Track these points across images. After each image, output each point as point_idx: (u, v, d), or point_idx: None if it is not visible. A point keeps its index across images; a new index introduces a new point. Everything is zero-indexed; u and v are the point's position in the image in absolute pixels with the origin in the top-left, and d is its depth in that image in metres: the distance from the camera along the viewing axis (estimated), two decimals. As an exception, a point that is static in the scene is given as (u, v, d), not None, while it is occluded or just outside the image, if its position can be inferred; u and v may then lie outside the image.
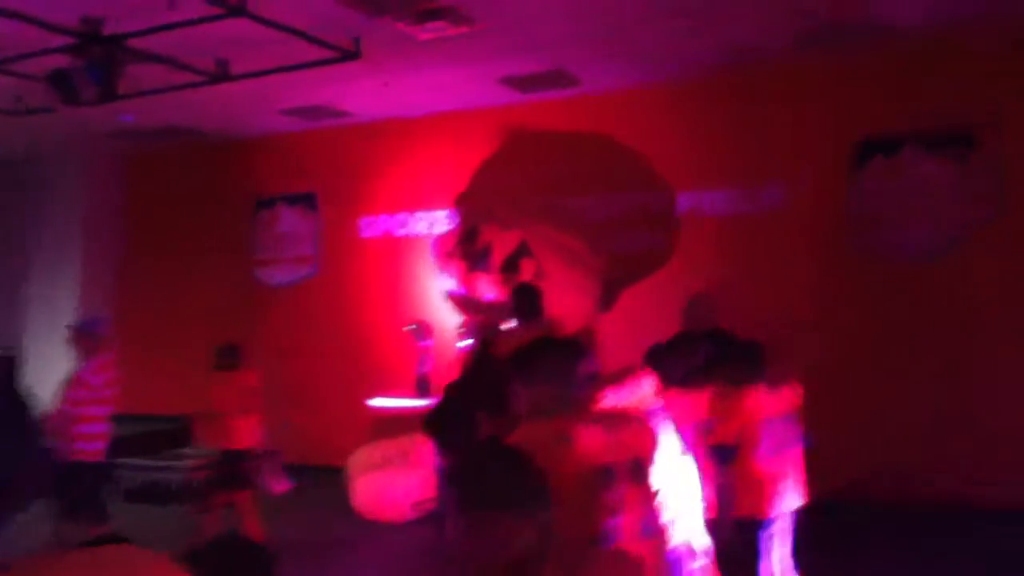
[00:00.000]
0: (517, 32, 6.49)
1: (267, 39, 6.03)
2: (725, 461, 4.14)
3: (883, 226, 7.15)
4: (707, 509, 2.90)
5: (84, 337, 5.97)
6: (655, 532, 2.24)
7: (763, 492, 4.11)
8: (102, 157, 10.72)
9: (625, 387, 2.52)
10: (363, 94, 8.15)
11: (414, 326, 8.22)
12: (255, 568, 1.89)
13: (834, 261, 7.25)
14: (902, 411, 6.90)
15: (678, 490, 2.35)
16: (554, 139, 8.19)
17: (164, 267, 10.48)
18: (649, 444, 2.35)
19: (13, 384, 1.42)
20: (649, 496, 2.26)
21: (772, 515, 4.11)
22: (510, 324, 5.60)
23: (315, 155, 9.56)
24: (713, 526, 2.69)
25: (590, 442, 2.23)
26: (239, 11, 5.45)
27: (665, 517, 2.29)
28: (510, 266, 7.17)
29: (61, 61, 5.94)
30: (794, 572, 4.27)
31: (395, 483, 7.10)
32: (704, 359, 4.69)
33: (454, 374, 5.52)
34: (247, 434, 6.61)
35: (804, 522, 4.30)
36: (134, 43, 5.98)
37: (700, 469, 2.85)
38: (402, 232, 9.12)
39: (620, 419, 2.38)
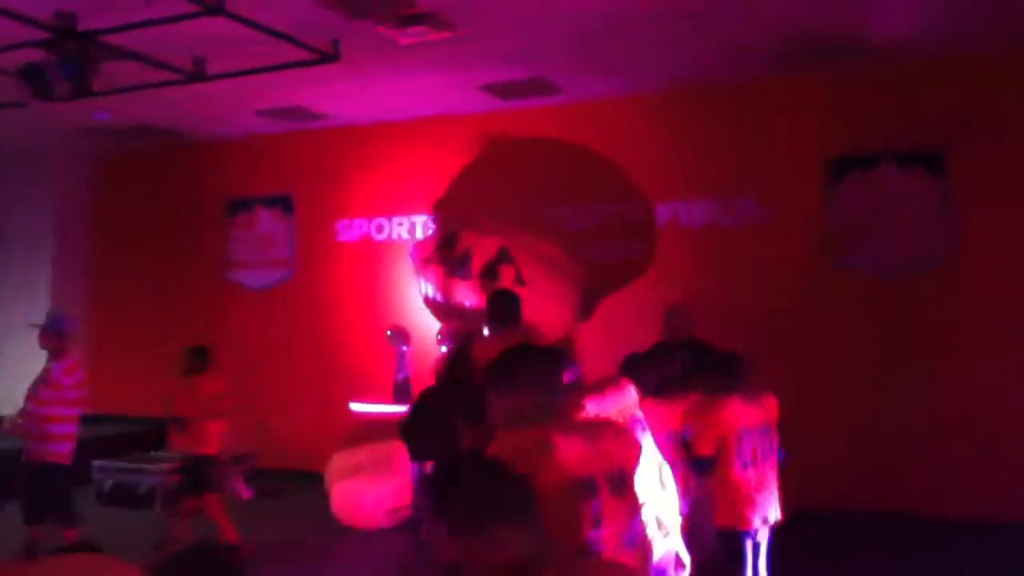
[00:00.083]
0: (499, 39, 6.47)
1: (245, 39, 5.96)
2: (704, 472, 4.14)
3: (859, 241, 7.20)
4: (687, 520, 2.89)
5: (52, 336, 5.88)
6: (639, 544, 2.22)
7: (742, 503, 4.11)
8: (75, 155, 10.56)
9: (607, 397, 2.50)
10: (342, 97, 8.10)
11: (392, 332, 8.17)
12: None
13: (811, 274, 7.29)
14: (876, 424, 6.95)
15: (660, 501, 2.33)
16: (534, 147, 8.18)
17: (138, 268, 10.34)
18: (631, 455, 2.32)
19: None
20: (632, 507, 2.23)
21: (752, 526, 4.11)
22: (487, 331, 5.56)
23: (292, 157, 9.48)
24: (694, 537, 2.68)
25: (571, 452, 2.20)
26: (217, 10, 5.38)
27: (648, 528, 2.27)
28: (489, 273, 7.13)
29: (34, 55, 5.83)
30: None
31: (372, 490, 7.05)
32: (681, 369, 4.70)
33: (431, 381, 5.48)
34: (215, 438, 6.54)
35: (785, 532, 4.30)
36: (109, 39, 5.89)
37: (678, 480, 2.84)
38: (380, 236, 9.06)
39: (602, 429, 2.35)
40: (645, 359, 4.58)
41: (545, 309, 6.48)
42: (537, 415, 2.30)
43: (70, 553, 1.38)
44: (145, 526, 6.93)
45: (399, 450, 6.11)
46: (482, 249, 7.27)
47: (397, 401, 7.74)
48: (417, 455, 5.51)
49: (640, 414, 2.51)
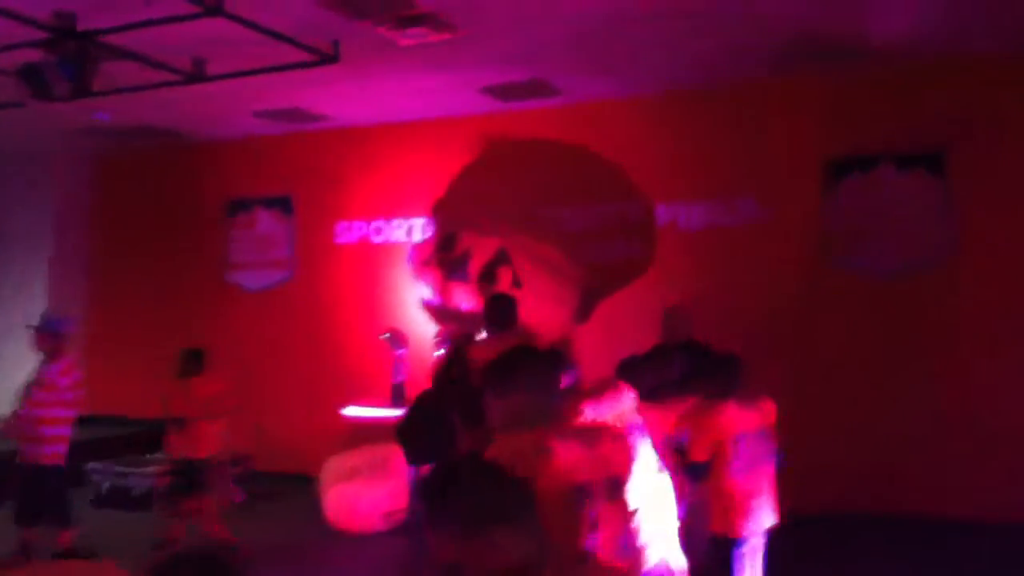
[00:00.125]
0: (499, 40, 6.46)
1: (245, 40, 5.95)
2: (698, 478, 4.12)
3: (859, 242, 7.20)
4: (681, 526, 2.87)
5: (48, 337, 5.86)
6: (633, 549, 2.20)
7: (737, 509, 4.09)
8: (74, 155, 10.55)
9: (604, 401, 2.48)
10: (341, 98, 8.09)
11: (389, 334, 8.16)
12: None
13: (810, 275, 7.28)
14: (876, 425, 6.94)
15: (656, 508, 2.31)
16: (533, 148, 8.17)
17: (137, 269, 10.33)
18: (627, 461, 2.31)
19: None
20: (627, 514, 2.22)
21: (746, 533, 4.09)
22: (485, 334, 5.55)
23: (292, 158, 9.47)
24: (687, 544, 2.67)
25: (568, 457, 2.19)
26: (216, 10, 5.37)
27: (643, 535, 2.26)
28: (487, 275, 7.12)
29: (33, 56, 5.82)
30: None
31: (368, 493, 7.02)
32: (679, 372, 4.67)
33: (428, 384, 5.47)
34: (211, 440, 6.53)
35: (784, 535, 4.28)
36: (109, 39, 5.88)
37: (674, 485, 2.83)
38: (379, 238, 9.05)
39: (598, 434, 2.34)
40: (643, 362, 4.56)
41: (543, 311, 6.47)
42: (535, 418, 2.29)
43: (65, 558, 1.37)
44: (141, 529, 6.91)
45: (395, 453, 6.10)
46: (480, 251, 7.27)
47: (394, 404, 7.73)
48: (414, 458, 5.50)
49: (638, 419, 2.50)
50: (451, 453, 4.34)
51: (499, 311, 5.50)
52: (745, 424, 4.17)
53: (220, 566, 1.83)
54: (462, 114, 8.43)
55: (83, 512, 6.67)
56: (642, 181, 7.82)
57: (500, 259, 7.18)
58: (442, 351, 6.59)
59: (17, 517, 5.74)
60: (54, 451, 5.76)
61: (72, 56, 5.70)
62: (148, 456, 8.41)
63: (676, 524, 2.55)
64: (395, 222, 8.94)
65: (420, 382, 6.25)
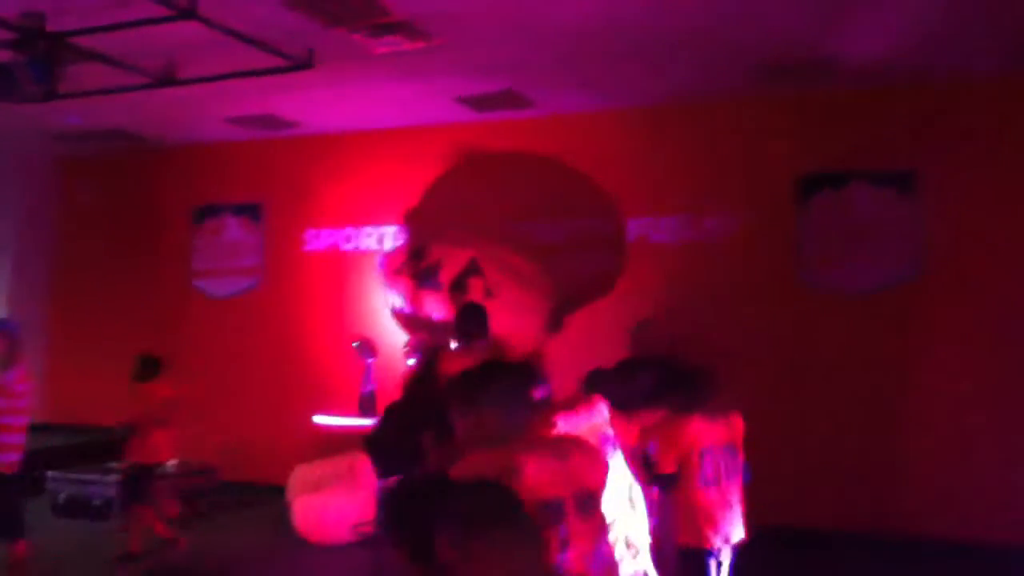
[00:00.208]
0: (473, 51, 6.46)
1: (217, 44, 5.90)
2: (666, 489, 4.12)
3: (830, 258, 7.27)
4: (652, 539, 2.87)
5: (4, 343, 5.73)
6: (605, 564, 2.19)
7: (703, 521, 4.09)
8: (39, 157, 10.36)
9: (578, 414, 2.46)
10: (314, 105, 8.04)
11: (359, 343, 8.10)
12: None
13: (782, 291, 7.34)
14: (847, 441, 7.00)
15: (629, 521, 2.30)
16: (506, 160, 8.17)
17: (102, 274, 10.14)
18: (599, 475, 2.29)
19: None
20: (598, 528, 2.21)
21: (713, 545, 4.09)
22: (455, 344, 5.53)
23: (262, 165, 9.38)
24: (657, 556, 2.66)
25: (538, 474, 2.17)
26: (189, 14, 5.31)
27: (616, 549, 2.24)
28: (458, 285, 7.10)
29: (1, 56, 5.73)
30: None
31: (335, 504, 6.94)
32: (646, 385, 4.67)
33: (397, 394, 5.43)
34: (161, 448, 6.48)
35: (750, 551, 4.29)
36: (79, 41, 5.79)
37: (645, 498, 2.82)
38: (349, 246, 8.99)
39: (570, 447, 2.32)
40: (610, 374, 4.55)
41: (514, 322, 6.46)
42: (503, 435, 2.26)
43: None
44: (100, 538, 6.79)
45: (363, 463, 6.04)
46: (451, 261, 7.24)
47: (363, 414, 7.66)
48: (384, 471, 5.45)
49: (611, 432, 2.49)
50: (419, 468, 4.30)
51: (470, 320, 5.48)
52: (711, 438, 4.17)
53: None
54: (435, 123, 8.41)
55: (43, 522, 6.53)
56: (614, 195, 7.85)
57: (471, 269, 7.16)
58: (413, 361, 6.56)
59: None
60: (8, 459, 5.62)
61: (41, 57, 5.61)
62: (109, 465, 8.26)
63: (649, 537, 2.54)
64: (366, 230, 8.89)
65: (390, 391, 6.21)
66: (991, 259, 6.86)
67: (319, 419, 8.10)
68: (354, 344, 8.13)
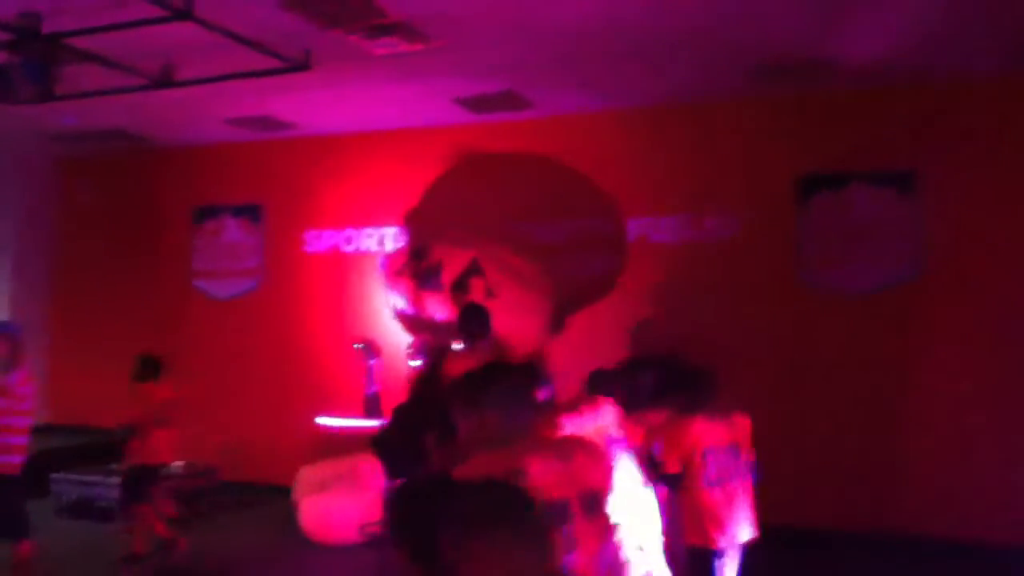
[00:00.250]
0: (471, 52, 6.45)
1: (214, 45, 5.88)
2: (673, 488, 4.11)
3: (830, 258, 7.26)
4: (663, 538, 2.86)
5: (6, 344, 5.73)
6: (612, 565, 2.18)
7: (710, 522, 4.09)
8: (39, 159, 10.34)
9: (584, 415, 2.45)
10: (313, 106, 8.03)
11: (363, 344, 8.09)
12: None
13: (782, 291, 7.34)
14: (848, 441, 6.99)
15: (637, 522, 2.29)
16: (506, 160, 8.17)
17: (102, 275, 10.13)
18: (605, 476, 2.28)
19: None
20: (605, 529, 2.20)
21: (721, 545, 4.08)
22: (459, 345, 5.52)
23: (262, 166, 9.36)
24: (665, 555, 2.65)
25: (544, 475, 2.16)
26: (186, 15, 5.30)
27: (624, 551, 2.23)
28: (459, 285, 7.09)
29: (-2, 57, 5.72)
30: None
31: (342, 505, 6.92)
32: (649, 386, 4.67)
33: (402, 395, 5.42)
34: (161, 449, 6.47)
35: (761, 550, 4.28)
36: (75, 42, 5.78)
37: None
38: (349, 248, 8.98)
39: (574, 448, 2.31)
40: (612, 375, 4.55)
41: (516, 322, 6.45)
42: (507, 436, 2.25)
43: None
44: (106, 540, 6.78)
45: (369, 464, 6.03)
46: (453, 262, 7.23)
47: (368, 415, 7.66)
48: (393, 472, 5.45)
49: (618, 433, 2.47)
50: (423, 469, 4.29)
51: (473, 320, 5.47)
52: (713, 439, 4.17)
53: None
54: (434, 124, 8.41)
55: (48, 523, 6.53)
56: (614, 195, 7.84)
57: (473, 270, 7.15)
58: (418, 362, 6.55)
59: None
60: (12, 461, 5.62)
61: (37, 58, 5.59)
62: (114, 466, 8.25)
63: (660, 537, 2.53)
64: (366, 231, 8.88)
65: (394, 392, 6.20)
66: (991, 259, 6.86)
67: (323, 420, 8.09)
68: (356, 346, 8.12)
